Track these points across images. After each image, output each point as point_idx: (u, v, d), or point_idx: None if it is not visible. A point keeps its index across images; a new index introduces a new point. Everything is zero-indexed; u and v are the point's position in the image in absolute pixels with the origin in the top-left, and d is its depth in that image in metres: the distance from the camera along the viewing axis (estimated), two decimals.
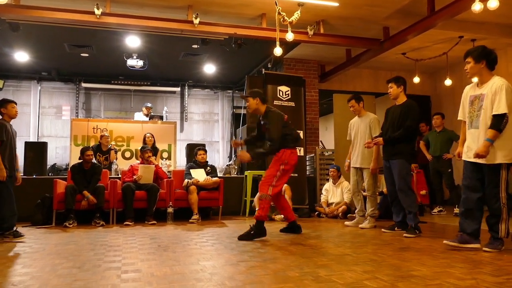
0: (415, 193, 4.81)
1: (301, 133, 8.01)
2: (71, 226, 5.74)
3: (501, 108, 3.46)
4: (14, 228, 4.48)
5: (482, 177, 3.67)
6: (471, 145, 3.70)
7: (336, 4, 6.21)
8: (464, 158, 3.80)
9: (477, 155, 3.52)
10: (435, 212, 7.22)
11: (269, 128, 4.57)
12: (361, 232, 4.97)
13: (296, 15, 5.93)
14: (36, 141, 10.43)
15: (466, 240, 3.66)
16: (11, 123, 4.67)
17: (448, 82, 8.06)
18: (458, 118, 3.91)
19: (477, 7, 5.00)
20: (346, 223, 5.81)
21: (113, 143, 8.27)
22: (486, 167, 3.60)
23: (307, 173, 8.11)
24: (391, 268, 2.86)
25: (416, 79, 8.33)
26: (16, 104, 4.72)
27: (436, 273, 2.70)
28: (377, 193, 6.50)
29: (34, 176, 6.79)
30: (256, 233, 4.42)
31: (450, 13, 5.83)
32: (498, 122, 3.47)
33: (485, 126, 3.56)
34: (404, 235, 4.50)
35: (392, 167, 4.81)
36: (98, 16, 5.97)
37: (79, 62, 10.00)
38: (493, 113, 3.50)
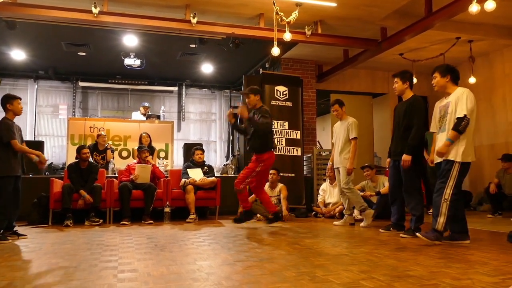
0: (421, 196, 4.75)
1: (298, 133, 8.02)
2: (71, 225, 5.73)
3: (461, 111, 3.87)
4: (19, 230, 4.47)
5: None
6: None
7: (334, 4, 6.22)
8: (436, 161, 4.13)
9: (437, 153, 3.96)
10: (431, 213, 7.22)
11: (262, 118, 5.19)
12: (358, 232, 4.98)
13: (294, 15, 5.94)
14: (33, 140, 10.39)
15: (455, 237, 4.00)
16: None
17: None
18: (430, 130, 4.36)
19: (474, 8, 5.02)
20: (335, 222, 5.87)
21: (110, 142, 8.25)
22: (442, 163, 3.98)
23: (304, 173, 8.12)
24: (388, 268, 2.87)
25: (414, 80, 8.33)
26: (21, 100, 4.66)
27: (432, 273, 2.71)
28: (375, 193, 6.55)
29: (30, 175, 6.76)
30: (245, 218, 5.62)
31: (447, 14, 5.85)
32: (458, 124, 3.85)
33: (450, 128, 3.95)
34: (401, 235, 4.50)
35: (400, 166, 4.67)
36: (95, 15, 5.95)
37: (76, 61, 9.97)
38: (456, 116, 3.90)
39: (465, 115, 3.82)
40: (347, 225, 5.69)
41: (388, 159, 5.01)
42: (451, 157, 3.87)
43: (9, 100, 4.52)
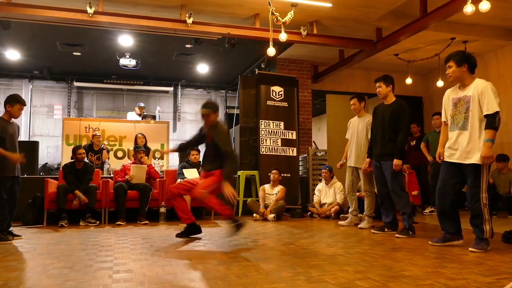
0: (408, 194, 4.81)
1: (294, 134, 8.03)
2: (66, 225, 5.71)
3: (492, 107, 3.56)
4: (13, 231, 4.46)
5: (460, 180, 3.80)
6: (454, 146, 3.80)
7: (329, 4, 6.23)
8: (446, 159, 3.90)
9: (484, 159, 3.57)
10: (426, 213, 7.26)
11: (221, 139, 4.37)
12: (353, 232, 4.99)
13: (289, 16, 5.94)
14: (28, 140, 10.34)
15: (449, 238, 3.90)
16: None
17: (440, 83, 8.10)
18: (442, 120, 4.06)
19: (469, 9, 5.03)
20: (340, 222, 5.83)
21: (105, 142, 8.22)
22: (466, 167, 3.70)
23: (300, 174, 8.13)
24: (383, 268, 2.88)
25: (409, 80, 8.38)
26: (25, 105, 4.64)
27: (427, 273, 2.72)
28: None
29: (25, 175, 6.72)
30: (238, 227, 4.22)
31: (442, 14, 5.87)
32: (492, 121, 3.56)
33: (475, 128, 3.65)
34: (396, 235, 4.53)
35: (384, 168, 4.78)
36: (90, 15, 5.92)
37: (72, 61, 9.93)
38: (485, 113, 3.59)
39: (497, 112, 3.55)
40: (352, 225, 5.66)
41: (368, 159, 5.05)
42: (475, 160, 3.61)
43: (11, 102, 4.52)
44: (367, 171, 5.30)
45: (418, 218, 6.56)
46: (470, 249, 3.57)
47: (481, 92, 3.64)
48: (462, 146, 3.71)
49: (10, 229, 4.53)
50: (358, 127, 5.63)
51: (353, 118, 5.84)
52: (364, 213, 5.52)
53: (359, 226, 5.46)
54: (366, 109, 5.95)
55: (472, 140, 3.65)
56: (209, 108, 4.49)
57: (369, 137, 5.35)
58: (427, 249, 3.73)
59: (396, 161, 4.61)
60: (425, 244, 3.97)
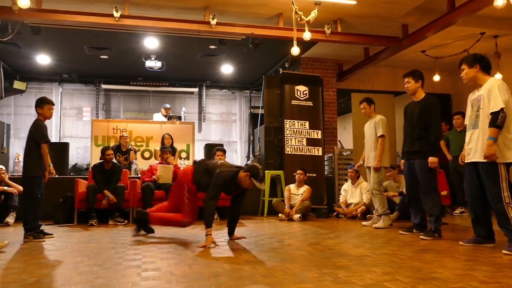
0: (439, 195, 4.66)
1: (319, 133, 7.98)
2: (96, 224, 5.84)
3: (496, 105, 3.57)
4: (42, 229, 4.55)
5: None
6: (469, 145, 3.82)
7: (353, 2, 6.16)
8: (465, 160, 3.89)
9: (485, 157, 3.57)
10: (456, 213, 7.09)
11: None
12: (380, 233, 4.91)
13: (313, 14, 5.90)
14: (58, 141, 10.63)
15: (480, 241, 3.83)
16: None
17: None
18: (465, 123, 4.08)
19: (499, 2, 4.89)
20: (364, 223, 5.81)
21: (132, 143, 8.35)
22: (482, 166, 3.67)
23: (326, 173, 8.07)
24: (412, 270, 2.82)
25: (436, 77, 8.21)
26: (53, 105, 4.74)
27: (458, 276, 2.65)
28: (397, 193, 6.45)
29: (56, 175, 6.90)
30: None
31: (471, 9, 5.72)
32: (494, 119, 3.56)
33: (485, 126, 3.65)
34: (421, 237, 4.39)
35: (413, 167, 4.65)
36: (117, 19, 6.04)
37: (99, 64, 10.15)
38: (491, 111, 3.60)
39: (501, 109, 3.52)
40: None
41: (402, 160, 4.92)
42: (480, 158, 3.61)
43: (40, 104, 4.63)
44: (376, 169, 5.46)
45: (448, 219, 6.43)
46: (503, 251, 3.45)
47: (489, 90, 3.66)
48: (475, 144, 3.74)
49: (41, 228, 4.65)
50: (369, 128, 5.73)
51: (367, 122, 5.90)
52: (378, 212, 5.54)
53: (374, 226, 5.40)
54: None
55: (483, 138, 3.65)
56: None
57: (377, 136, 5.50)
58: (458, 251, 3.63)
59: (431, 159, 4.46)
60: (454, 246, 3.88)
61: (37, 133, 4.50)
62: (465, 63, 3.88)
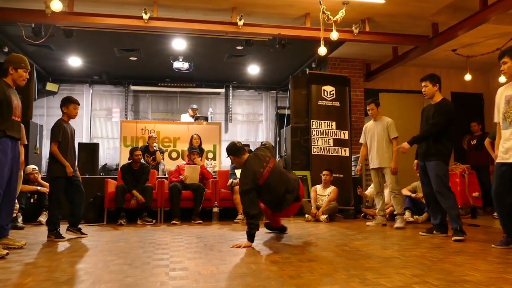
0: (454, 194, 4.57)
1: (346, 133, 7.91)
2: (125, 224, 5.96)
3: None
4: (58, 229, 4.56)
5: None
6: (506, 145, 3.64)
7: (382, 1, 6.08)
8: (498, 160, 3.73)
9: None
10: (496, 216, 6.87)
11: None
12: (410, 235, 4.82)
13: (340, 14, 5.84)
14: (89, 142, 10.88)
15: (511, 242, 3.73)
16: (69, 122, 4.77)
17: (502, 79, 7.55)
18: (495, 121, 3.90)
19: None
20: (368, 223, 5.87)
21: (155, 145, 8.21)
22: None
23: (353, 174, 7.98)
24: (442, 273, 2.76)
25: (468, 76, 8.00)
26: (78, 105, 4.82)
27: (491, 279, 2.58)
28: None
29: (86, 175, 7.09)
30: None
31: (504, 6, 5.55)
32: None
33: None
34: (453, 239, 4.28)
35: (428, 168, 4.60)
36: (146, 21, 6.15)
37: (128, 65, 10.34)
38: None
39: None
40: (380, 225, 5.78)
41: (416, 161, 4.89)
42: None
43: (66, 103, 4.71)
44: (395, 170, 5.54)
45: (480, 220, 6.26)
46: None
47: None
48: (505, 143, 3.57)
49: (79, 226, 4.75)
50: (377, 130, 5.80)
51: (369, 123, 5.99)
52: (395, 212, 5.62)
53: (395, 226, 5.45)
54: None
55: None
56: (230, 153, 4.45)
57: (391, 138, 5.64)
58: (490, 253, 3.53)
59: (404, 144, 4.71)
60: (487, 248, 3.77)
61: (51, 132, 4.57)
62: (508, 56, 3.66)
